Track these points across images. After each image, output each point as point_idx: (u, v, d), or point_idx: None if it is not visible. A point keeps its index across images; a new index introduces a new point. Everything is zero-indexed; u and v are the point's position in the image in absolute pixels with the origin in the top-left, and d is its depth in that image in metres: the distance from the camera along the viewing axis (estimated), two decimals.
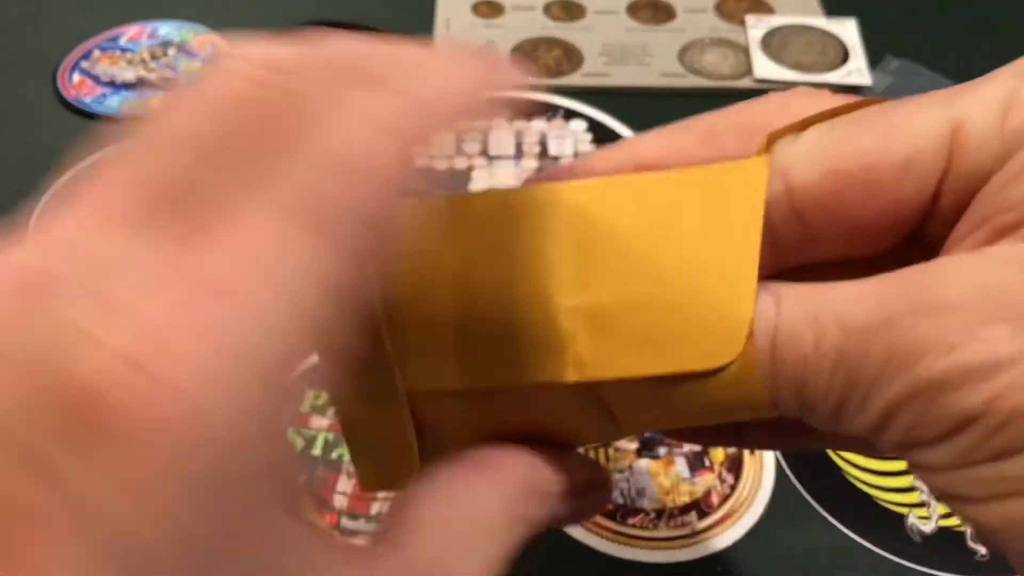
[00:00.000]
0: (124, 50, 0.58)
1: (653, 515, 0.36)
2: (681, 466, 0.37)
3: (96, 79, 0.56)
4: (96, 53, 0.58)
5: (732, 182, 0.18)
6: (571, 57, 0.58)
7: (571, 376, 0.18)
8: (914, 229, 0.18)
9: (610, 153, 0.22)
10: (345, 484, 0.37)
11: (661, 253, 0.18)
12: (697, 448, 0.38)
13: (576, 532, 0.35)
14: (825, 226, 0.18)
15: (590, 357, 0.18)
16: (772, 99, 0.21)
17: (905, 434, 0.17)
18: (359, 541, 0.35)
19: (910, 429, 0.17)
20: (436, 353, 0.19)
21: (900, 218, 0.18)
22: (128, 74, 0.56)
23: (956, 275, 0.16)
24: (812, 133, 0.18)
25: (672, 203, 0.18)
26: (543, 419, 0.20)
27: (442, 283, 0.19)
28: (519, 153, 0.51)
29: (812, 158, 0.18)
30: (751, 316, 0.17)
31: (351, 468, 0.37)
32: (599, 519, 0.36)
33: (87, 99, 0.55)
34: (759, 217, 0.18)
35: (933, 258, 0.17)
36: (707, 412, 0.19)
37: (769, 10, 0.62)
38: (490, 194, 0.19)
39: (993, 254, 0.16)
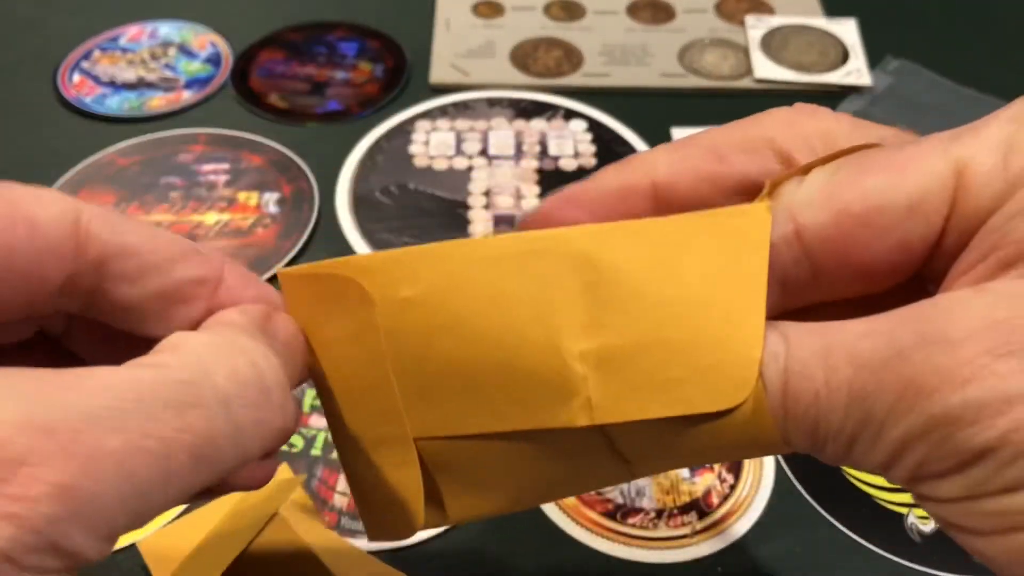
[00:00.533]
0: (124, 50, 0.58)
1: (653, 515, 0.36)
2: None
3: (96, 79, 0.56)
4: (96, 53, 0.58)
5: (737, 226, 0.19)
6: (571, 57, 0.58)
7: (582, 420, 0.18)
8: (920, 267, 0.19)
9: (619, 170, 0.22)
10: (345, 483, 0.37)
11: (669, 296, 0.18)
12: None
13: (576, 532, 0.36)
14: (834, 266, 0.19)
15: (600, 400, 0.18)
16: (777, 116, 0.21)
17: (917, 468, 0.17)
18: (360, 542, 0.35)
19: (922, 464, 0.17)
20: (445, 400, 0.19)
21: (907, 257, 0.18)
22: (128, 74, 0.56)
23: (963, 310, 0.16)
24: (817, 175, 0.19)
25: (678, 247, 0.18)
26: (556, 462, 0.20)
27: (450, 330, 0.19)
28: (519, 153, 0.51)
29: (820, 200, 0.18)
30: (760, 357, 0.17)
31: None
32: (599, 519, 0.36)
33: (87, 99, 0.55)
34: (765, 260, 0.18)
35: (935, 293, 0.18)
36: (719, 452, 0.19)
37: (769, 10, 0.62)
38: (497, 240, 0.19)
39: (996, 289, 0.17)
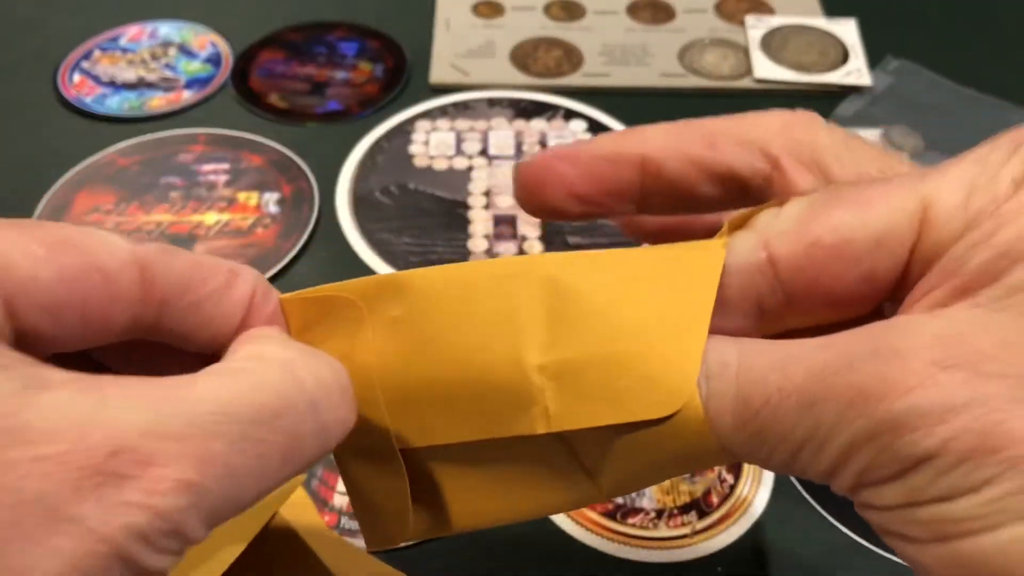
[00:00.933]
0: (124, 50, 0.58)
1: (653, 515, 0.36)
2: None
3: (96, 79, 0.56)
4: (96, 53, 0.58)
5: (693, 258, 0.20)
6: (571, 57, 0.58)
7: (540, 428, 0.20)
8: (887, 296, 0.20)
9: (614, 139, 0.23)
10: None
11: (622, 316, 0.20)
12: None
13: (576, 531, 0.36)
14: (806, 294, 0.19)
15: (556, 410, 0.20)
16: (775, 118, 0.22)
17: (859, 475, 0.18)
18: (360, 542, 0.35)
19: (865, 470, 0.17)
20: (425, 411, 0.21)
21: (874, 287, 0.19)
22: (128, 74, 0.57)
23: (914, 327, 0.17)
24: (793, 207, 0.20)
25: (637, 274, 0.20)
26: (532, 476, 0.21)
27: (430, 345, 0.20)
28: (519, 153, 0.51)
29: (793, 231, 0.19)
30: (696, 368, 0.19)
31: None
32: (599, 519, 0.36)
33: (87, 99, 0.55)
34: (713, 288, 0.20)
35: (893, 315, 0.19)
36: (667, 462, 0.20)
37: (769, 10, 0.62)
38: (476, 265, 0.21)
39: (949, 314, 0.18)
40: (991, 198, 0.18)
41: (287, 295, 0.22)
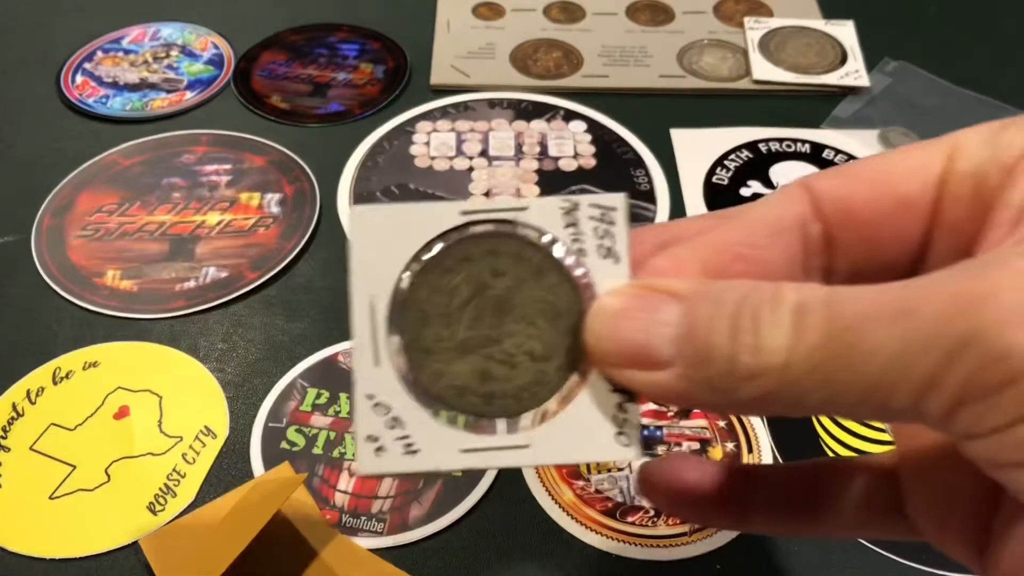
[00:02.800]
0: (127, 51, 0.59)
1: (652, 513, 0.36)
2: None
3: (99, 80, 0.56)
4: (99, 54, 0.58)
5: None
6: (571, 58, 0.58)
7: None
8: (924, 236, 0.21)
9: (678, 254, 0.22)
10: (346, 482, 0.37)
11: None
12: (695, 446, 0.38)
13: (576, 530, 0.36)
14: (848, 229, 0.21)
15: None
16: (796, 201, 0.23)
17: (959, 391, 0.16)
18: (361, 539, 0.35)
19: (966, 383, 0.16)
20: None
21: (911, 214, 0.21)
22: (131, 75, 0.57)
23: (1001, 253, 0.17)
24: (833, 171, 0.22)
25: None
26: None
27: None
28: (519, 154, 0.52)
29: (832, 172, 0.21)
30: None
31: (352, 466, 0.38)
32: (598, 517, 0.36)
33: (90, 100, 0.55)
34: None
35: None
36: None
37: (768, 12, 0.62)
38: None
39: None
40: (1018, 128, 0.19)
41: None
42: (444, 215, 0.21)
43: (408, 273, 0.21)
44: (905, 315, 0.16)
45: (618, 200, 0.21)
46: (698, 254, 0.21)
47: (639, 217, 0.48)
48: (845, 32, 0.59)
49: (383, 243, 0.21)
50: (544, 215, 0.21)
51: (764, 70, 0.57)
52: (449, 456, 0.20)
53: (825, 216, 0.21)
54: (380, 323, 0.20)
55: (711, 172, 0.51)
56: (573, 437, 0.20)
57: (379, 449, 0.20)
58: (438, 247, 0.21)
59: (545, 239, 0.21)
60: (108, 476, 0.37)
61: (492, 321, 0.21)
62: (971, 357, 0.16)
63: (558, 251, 0.21)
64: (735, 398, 0.18)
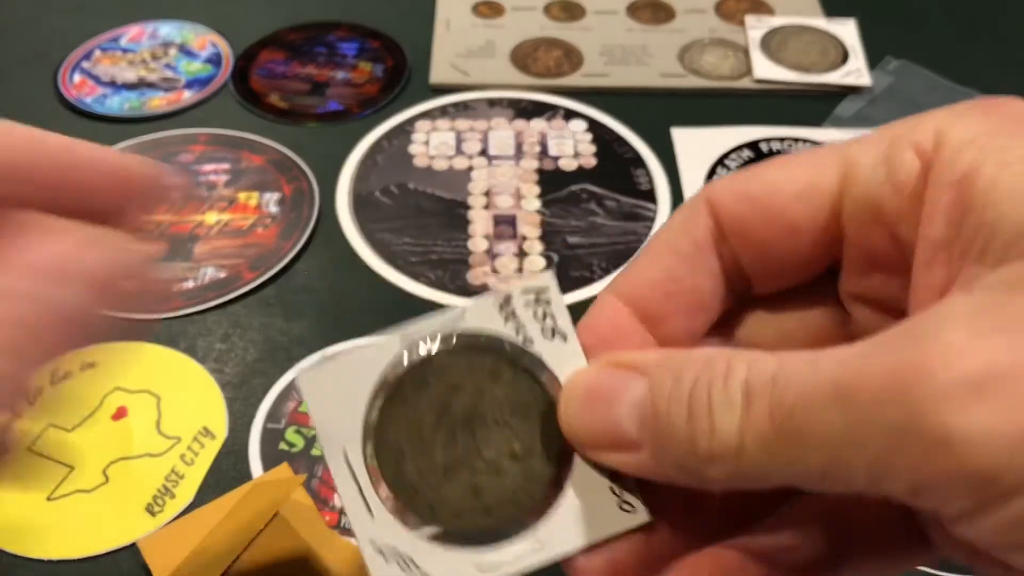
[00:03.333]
0: (125, 50, 0.58)
1: None
2: None
3: (97, 79, 0.56)
4: (97, 53, 0.58)
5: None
6: (571, 57, 0.58)
7: None
8: (825, 257, 0.21)
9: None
10: None
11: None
12: None
13: None
14: (746, 250, 0.21)
15: None
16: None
17: (912, 482, 0.15)
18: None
19: (913, 470, 0.15)
20: None
21: (801, 238, 0.20)
22: (129, 74, 0.57)
23: (944, 307, 0.16)
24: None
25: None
26: None
27: None
28: (519, 153, 0.52)
29: (728, 186, 0.21)
30: None
31: None
32: None
33: (88, 99, 0.55)
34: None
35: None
36: None
37: (769, 10, 0.62)
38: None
39: (971, 289, 0.17)
40: (910, 146, 0.19)
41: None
42: (387, 348, 0.21)
43: (373, 415, 0.21)
44: (844, 398, 0.16)
45: (547, 279, 0.21)
46: (632, 301, 0.21)
47: (640, 217, 0.48)
48: (847, 31, 0.59)
49: (338, 398, 0.21)
50: (482, 316, 0.21)
51: (765, 69, 0.56)
52: None
53: (726, 237, 0.21)
54: (360, 474, 0.21)
55: (712, 171, 0.51)
56: (580, 522, 0.21)
57: None
58: (392, 380, 0.21)
59: (490, 340, 0.21)
60: (106, 477, 0.37)
61: (464, 436, 0.21)
62: (914, 445, 0.15)
63: (506, 347, 0.21)
64: (705, 477, 0.18)
